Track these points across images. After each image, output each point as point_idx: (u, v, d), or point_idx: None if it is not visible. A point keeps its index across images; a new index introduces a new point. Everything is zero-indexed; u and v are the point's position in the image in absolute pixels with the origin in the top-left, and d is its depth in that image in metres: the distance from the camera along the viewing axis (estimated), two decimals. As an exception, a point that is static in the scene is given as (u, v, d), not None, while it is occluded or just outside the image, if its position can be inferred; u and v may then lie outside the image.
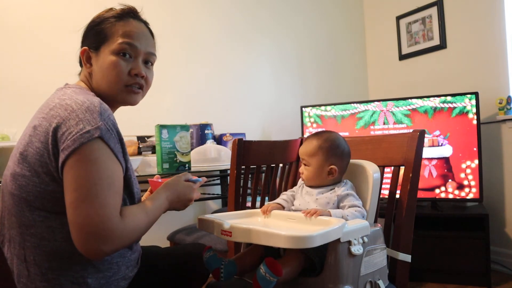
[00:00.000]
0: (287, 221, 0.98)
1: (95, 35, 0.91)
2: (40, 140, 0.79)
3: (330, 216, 0.94)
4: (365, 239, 0.91)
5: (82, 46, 0.95)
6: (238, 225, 0.89)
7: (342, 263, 0.86)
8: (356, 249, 0.88)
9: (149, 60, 0.97)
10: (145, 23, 0.98)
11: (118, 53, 0.90)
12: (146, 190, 1.09)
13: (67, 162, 0.75)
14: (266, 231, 0.82)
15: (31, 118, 0.88)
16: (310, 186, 1.07)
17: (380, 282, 0.94)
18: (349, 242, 0.87)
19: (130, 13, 0.94)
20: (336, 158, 1.04)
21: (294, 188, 1.14)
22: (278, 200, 1.12)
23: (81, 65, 0.98)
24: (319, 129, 2.58)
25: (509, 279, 2.22)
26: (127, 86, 0.92)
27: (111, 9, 0.95)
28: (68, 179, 0.75)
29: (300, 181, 1.12)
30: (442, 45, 2.73)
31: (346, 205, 1.00)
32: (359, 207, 0.99)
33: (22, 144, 0.83)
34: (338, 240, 0.85)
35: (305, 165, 1.06)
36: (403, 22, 3.00)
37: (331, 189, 1.04)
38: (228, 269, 0.92)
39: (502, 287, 2.12)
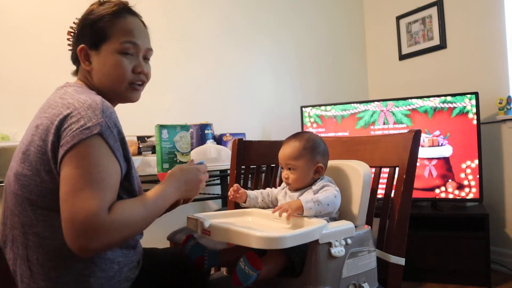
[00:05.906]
0: (273, 221, 0.98)
1: (94, 33, 0.92)
2: (41, 138, 0.80)
3: (302, 205, 0.91)
4: (349, 241, 0.89)
5: (77, 43, 0.95)
6: (217, 224, 0.89)
7: (321, 264, 0.85)
8: (337, 251, 0.86)
9: (147, 56, 0.99)
10: (139, 17, 1.00)
11: (121, 52, 0.92)
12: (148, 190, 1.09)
13: (64, 158, 0.76)
14: (239, 231, 0.81)
15: (33, 118, 0.88)
16: (295, 190, 1.05)
17: (366, 285, 0.91)
18: (329, 244, 0.86)
19: (125, 9, 0.96)
20: (320, 156, 1.03)
21: (275, 190, 1.12)
22: (250, 192, 1.10)
23: (74, 63, 0.99)
24: (319, 129, 2.58)
25: (509, 279, 2.22)
26: (131, 84, 0.95)
27: (103, 3, 0.96)
28: (62, 174, 0.76)
29: (283, 185, 1.10)
30: (442, 45, 2.73)
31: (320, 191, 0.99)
32: (329, 187, 0.98)
33: (24, 143, 0.84)
34: (317, 241, 0.84)
35: (290, 169, 1.03)
36: (403, 22, 3.00)
37: (309, 188, 1.02)
38: (212, 258, 0.94)
39: (502, 287, 2.12)
